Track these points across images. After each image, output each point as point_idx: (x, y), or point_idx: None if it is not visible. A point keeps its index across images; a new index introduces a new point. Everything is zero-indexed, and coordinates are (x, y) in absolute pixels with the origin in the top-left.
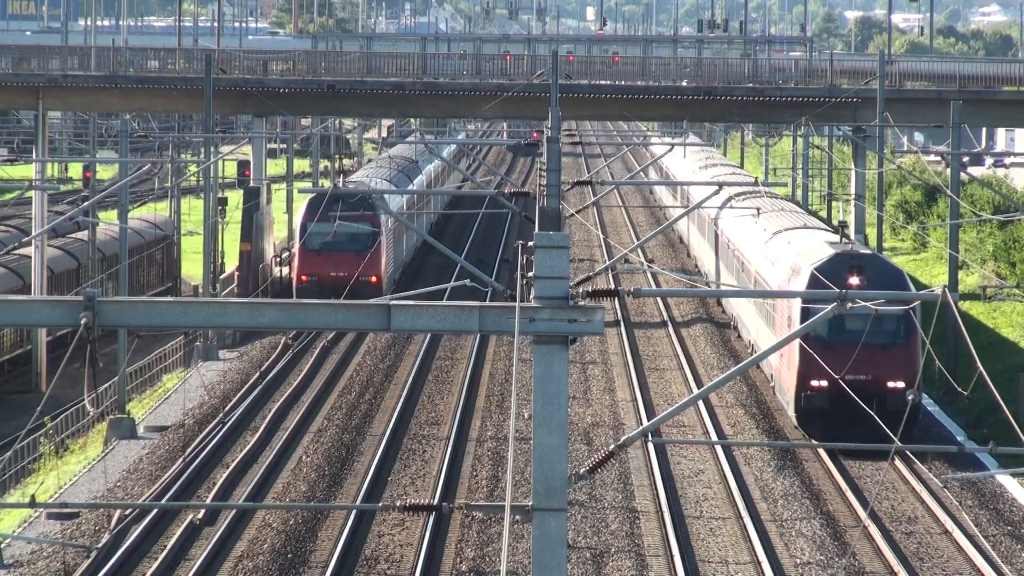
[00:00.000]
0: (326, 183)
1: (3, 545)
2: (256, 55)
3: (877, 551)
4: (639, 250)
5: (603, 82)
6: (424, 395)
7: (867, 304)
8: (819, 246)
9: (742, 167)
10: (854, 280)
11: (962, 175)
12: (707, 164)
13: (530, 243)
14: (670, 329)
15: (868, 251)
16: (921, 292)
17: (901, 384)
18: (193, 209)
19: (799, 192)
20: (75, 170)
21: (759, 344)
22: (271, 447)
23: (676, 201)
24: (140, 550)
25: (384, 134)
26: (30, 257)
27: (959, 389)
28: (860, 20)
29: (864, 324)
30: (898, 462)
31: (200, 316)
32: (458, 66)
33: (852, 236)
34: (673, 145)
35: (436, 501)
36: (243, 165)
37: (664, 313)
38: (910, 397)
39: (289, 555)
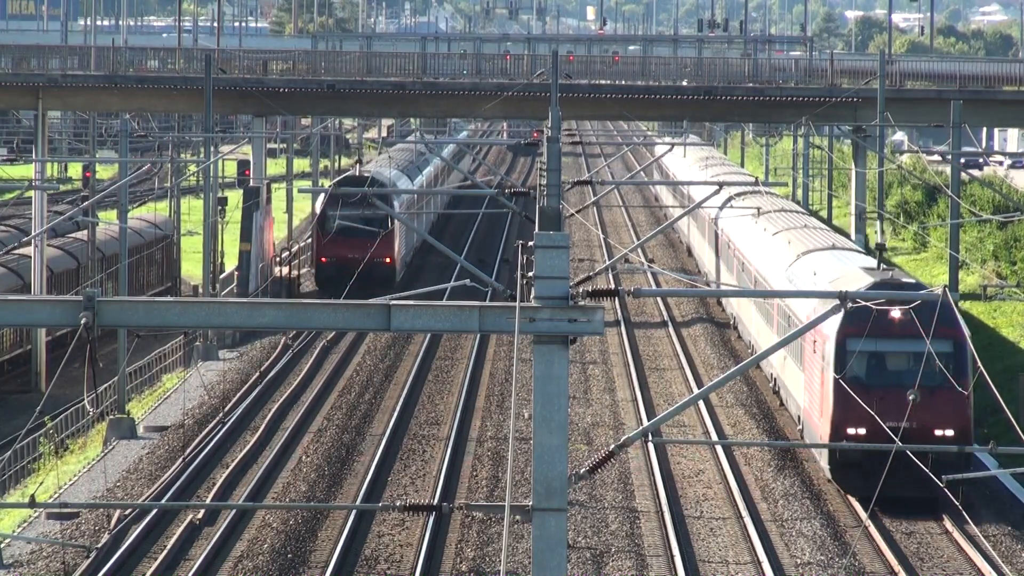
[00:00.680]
0: (326, 183)
1: (3, 545)
2: (256, 55)
3: (877, 551)
4: (639, 250)
5: (603, 82)
6: (424, 395)
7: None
8: (854, 274)
9: (742, 167)
10: (896, 314)
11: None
12: (707, 164)
13: (530, 243)
14: (670, 329)
15: (911, 279)
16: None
17: (951, 432)
18: (193, 209)
19: (799, 192)
20: (75, 170)
21: (759, 344)
22: (271, 447)
23: (676, 201)
24: (140, 550)
25: (384, 134)
26: (30, 257)
27: (959, 389)
28: (860, 20)
29: (908, 364)
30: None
31: (200, 316)
32: (458, 66)
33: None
34: (673, 144)
35: (436, 501)
36: (243, 165)
37: (664, 313)
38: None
39: (289, 555)
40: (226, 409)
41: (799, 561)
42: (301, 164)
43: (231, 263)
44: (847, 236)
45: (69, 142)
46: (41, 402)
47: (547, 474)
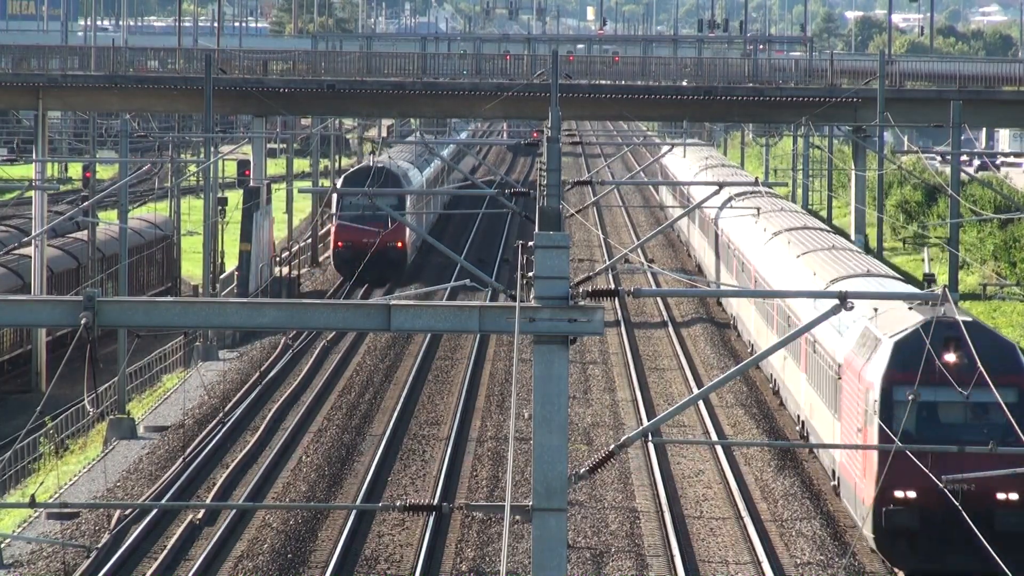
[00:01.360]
0: (326, 183)
1: (3, 545)
2: (256, 55)
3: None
4: (639, 250)
5: (603, 82)
6: (424, 395)
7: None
8: (901, 312)
9: (742, 167)
10: (951, 357)
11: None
12: (707, 164)
13: (530, 243)
14: (670, 329)
15: (968, 317)
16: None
17: (1015, 496)
18: (193, 209)
19: (799, 192)
20: (75, 170)
21: (759, 345)
22: (271, 447)
23: (676, 202)
24: (140, 550)
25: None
26: (30, 257)
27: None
28: (860, 20)
29: (965, 416)
30: None
31: (200, 316)
32: (458, 66)
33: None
34: (673, 145)
35: (436, 501)
36: (243, 165)
37: (664, 313)
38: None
39: (289, 555)
40: (226, 409)
41: (799, 561)
42: (301, 164)
43: (231, 263)
44: (847, 237)
45: (69, 142)
46: (41, 402)
47: (547, 474)
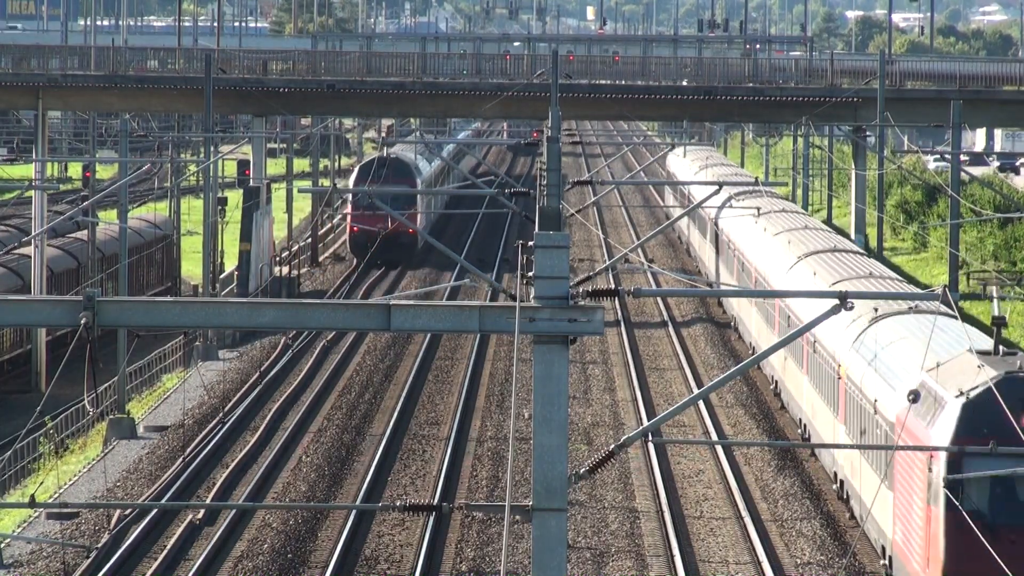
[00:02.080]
0: (326, 183)
1: (3, 545)
2: (256, 55)
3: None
4: (639, 250)
5: (603, 82)
6: (424, 395)
7: None
8: (966, 362)
9: (742, 167)
10: None
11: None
12: (707, 164)
13: (530, 243)
14: (670, 329)
15: None
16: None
17: None
18: (193, 209)
19: (799, 192)
20: (75, 170)
21: (760, 346)
22: (271, 447)
23: (677, 203)
24: (140, 550)
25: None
26: (30, 257)
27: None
28: (860, 20)
29: None
30: None
31: (200, 316)
32: (458, 66)
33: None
34: (673, 144)
35: (436, 501)
36: (243, 165)
37: (664, 313)
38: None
39: (289, 555)
40: (226, 409)
41: (799, 561)
42: (301, 164)
43: (231, 263)
44: (848, 237)
45: (69, 142)
46: (41, 402)
47: (547, 474)
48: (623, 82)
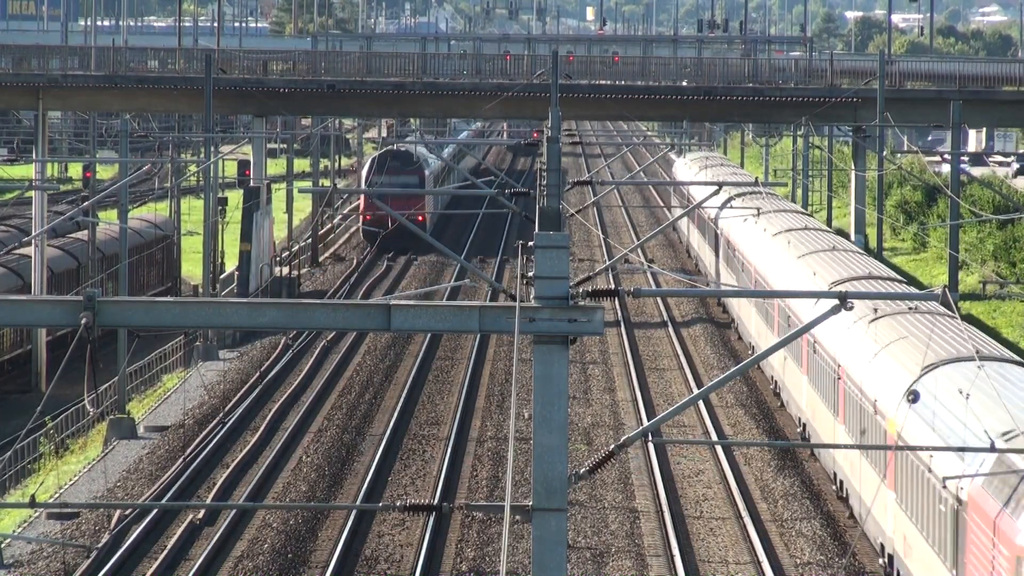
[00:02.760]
0: (326, 183)
1: (3, 545)
2: (256, 55)
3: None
4: (639, 250)
5: (603, 82)
6: (424, 395)
7: None
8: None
9: (742, 167)
10: None
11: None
12: (706, 165)
13: (530, 243)
14: (670, 329)
15: None
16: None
17: None
18: (193, 209)
19: (799, 192)
20: (75, 170)
21: (759, 346)
22: (271, 447)
23: (678, 203)
24: (140, 550)
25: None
26: (30, 257)
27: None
28: (860, 20)
29: None
30: None
31: (200, 316)
32: (458, 66)
33: None
34: (672, 144)
35: (436, 501)
36: (243, 165)
37: (664, 313)
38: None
39: (289, 555)
40: (226, 409)
41: (799, 561)
42: (301, 164)
43: (231, 263)
44: (847, 238)
45: (69, 142)
46: (41, 402)
47: (547, 474)
48: (623, 82)
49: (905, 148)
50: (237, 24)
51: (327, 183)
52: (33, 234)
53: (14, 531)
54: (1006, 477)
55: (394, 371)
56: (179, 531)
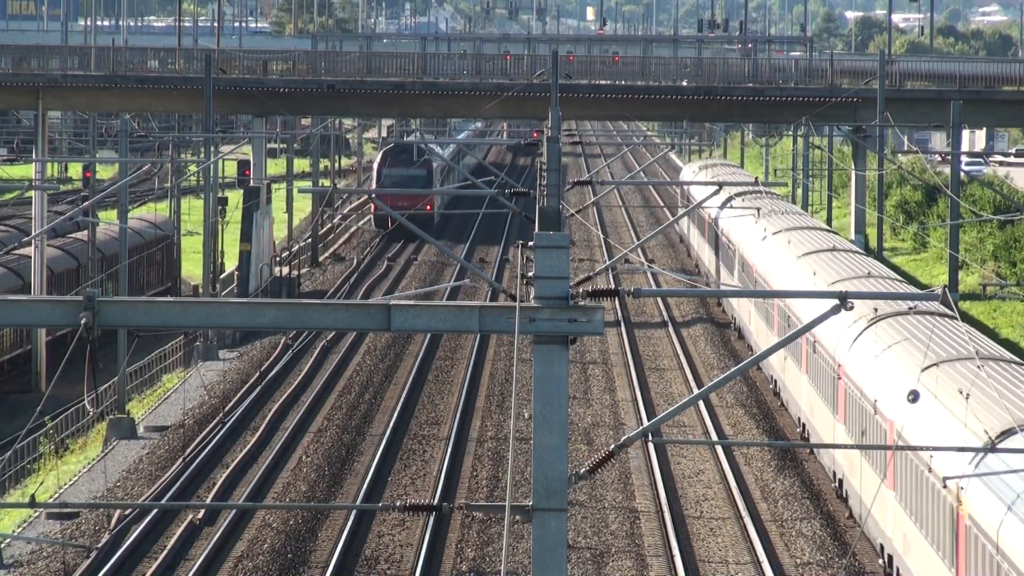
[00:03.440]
0: (326, 183)
1: (3, 545)
2: (256, 55)
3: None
4: (639, 250)
5: (603, 82)
6: (424, 395)
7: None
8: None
9: (742, 167)
10: None
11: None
12: (706, 165)
13: (530, 243)
14: (670, 329)
15: None
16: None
17: None
18: (193, 209)
19: (799, 192)
20: (75, 170)
21: (760, 346)
22: (271, 447)
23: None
24: (140, 550)
25: (384, 134)
26: (30, 257)
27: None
28: (860, 20)
29: None
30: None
31: (200, 316)
32: (458, 66)
33: None
34: (672, 145)
35: (436, 501)
36: (243, 165)
37: (664, 313)
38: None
39: (289, 555)
40: (226, 409)
41: (799, 561)
42: (301, 164)
43: (231, 263)
44: (847, 238)
45: (69, 142)
46: (41, 402)
47: (547, 474)
48: (623, 82)
49: (905, 148)
50: (237, 24)
51: (327, 183)
52: (33, 234)
53: (14, 531)
54: (1006, 477)
55: (394, 371)
56: (179, 531)
